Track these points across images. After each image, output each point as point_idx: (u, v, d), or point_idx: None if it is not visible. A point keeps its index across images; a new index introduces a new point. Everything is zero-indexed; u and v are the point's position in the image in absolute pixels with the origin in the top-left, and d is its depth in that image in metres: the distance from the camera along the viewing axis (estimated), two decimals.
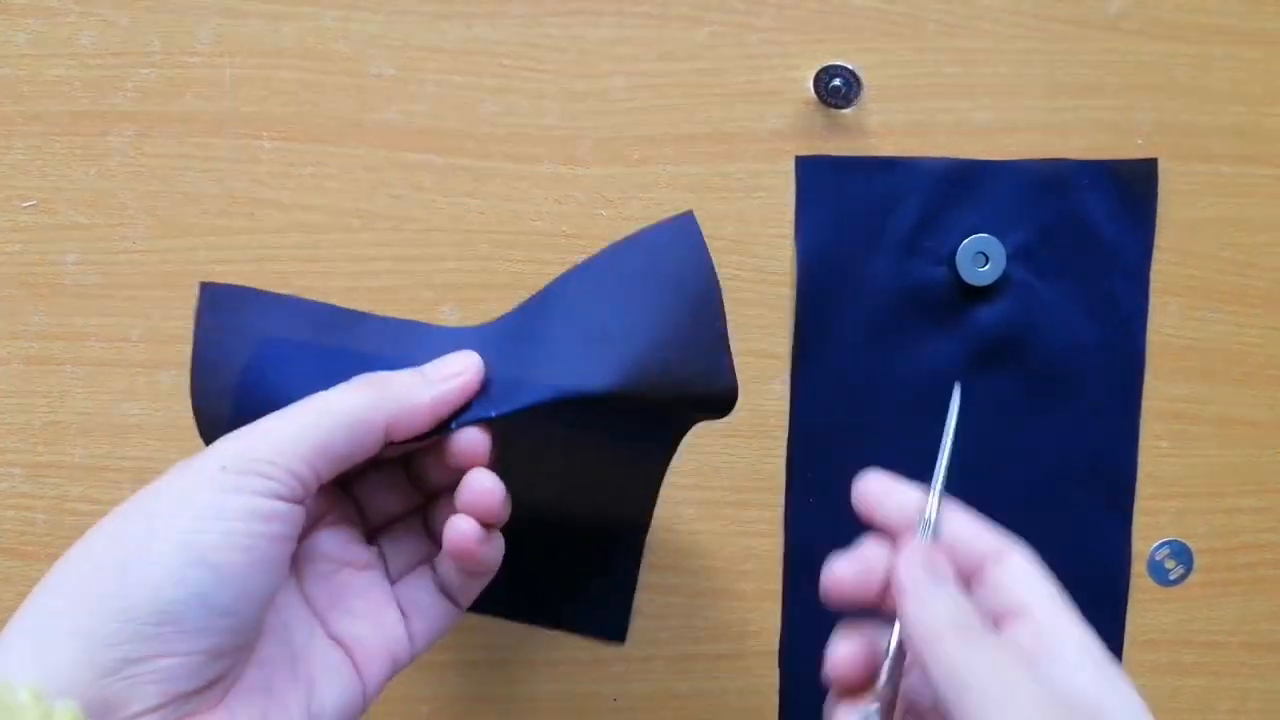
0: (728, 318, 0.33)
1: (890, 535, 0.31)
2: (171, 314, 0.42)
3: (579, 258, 0.34)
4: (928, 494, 0.30)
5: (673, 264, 0.34)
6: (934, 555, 0.29)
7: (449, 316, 0.42)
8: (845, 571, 0.30)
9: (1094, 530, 0.44)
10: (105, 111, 0.41)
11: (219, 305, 0.34)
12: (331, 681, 0.32)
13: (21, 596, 0.27)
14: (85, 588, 0.26)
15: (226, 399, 0.34)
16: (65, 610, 0.26)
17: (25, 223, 0.42)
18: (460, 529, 0.32)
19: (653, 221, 0.34)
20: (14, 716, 0.24)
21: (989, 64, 0.43)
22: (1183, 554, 0.45)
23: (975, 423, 0.43)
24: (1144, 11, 0.43)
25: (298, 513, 0.29)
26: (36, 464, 0.42)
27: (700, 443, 0.43)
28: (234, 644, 0.28)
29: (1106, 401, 0.44)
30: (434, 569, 0.35)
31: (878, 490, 0.31)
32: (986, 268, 0.43)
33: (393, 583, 0.35)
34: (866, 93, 0.42)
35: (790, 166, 0.43)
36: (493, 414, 0.32)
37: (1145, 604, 0.45)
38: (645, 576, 0.44)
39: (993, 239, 0.42)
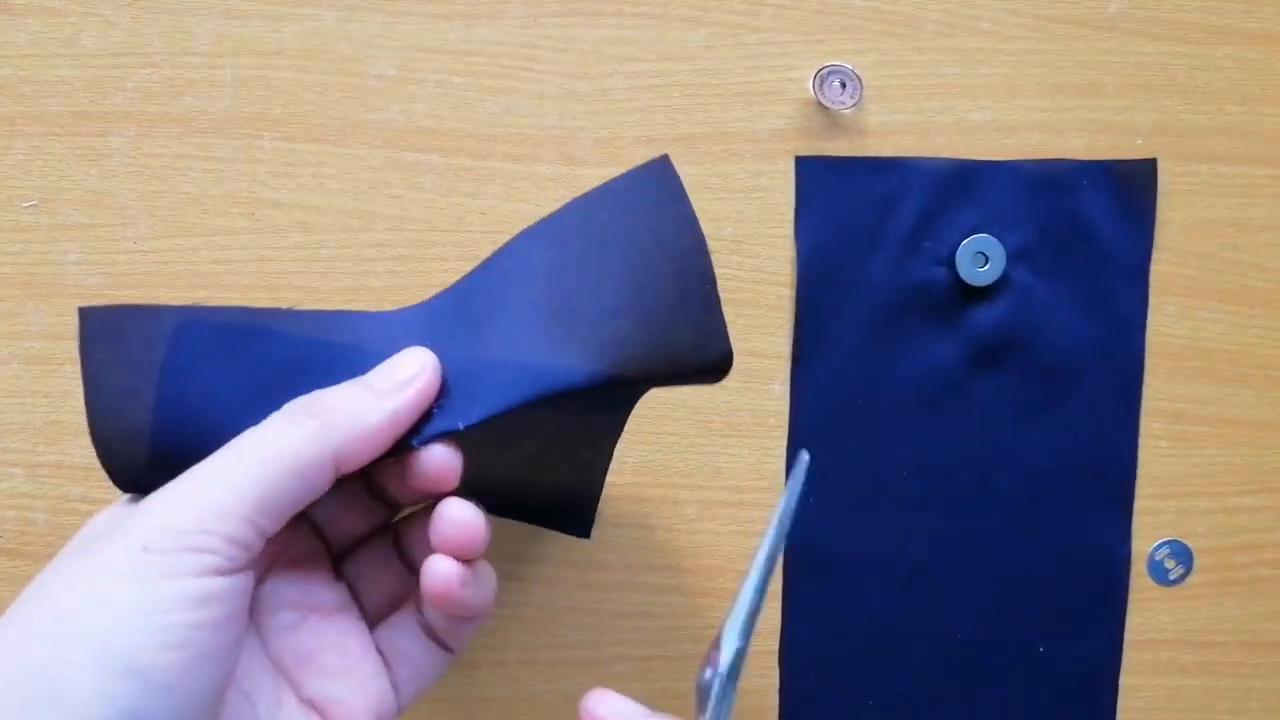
0: (727, 320, 0.31)
1: None
2: None
3: None
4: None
5: (648, 218, 0.29)
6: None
7: None
8: None
9: (1094, 530, 0.44)
10: (106, 111, 0.41)
11: (107, 333, 0.29)
12: None
13: None
14: None
15: (140, 440, 0.28)
16: None
17: (26, 223, 0.42)
18: (439, 571, 0.28)
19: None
20: None
21: (988, 64, 0.43)
22: (1183, 554, 0.45)
23: (975, 423, 0.43)
24: (1143, 11, 0.43)
25: (244, 580, 0.25)
26: (36, 464, 0.42)
27: (700, 443, 0.43)
28: None
29: (1106, 401, 0.44)
30: (418, 607, 0.31)
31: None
32: (986, 268, 0.43)
33: (371, 626, 0.30)
34: (866, 93, 0.42)
35: (790, 166, 0.43)
36: (460, 426, 0.28)
37: (1145, 604, 0.45)
38: (645, 576, 0.44)
39: (992, 239, 0.43)
